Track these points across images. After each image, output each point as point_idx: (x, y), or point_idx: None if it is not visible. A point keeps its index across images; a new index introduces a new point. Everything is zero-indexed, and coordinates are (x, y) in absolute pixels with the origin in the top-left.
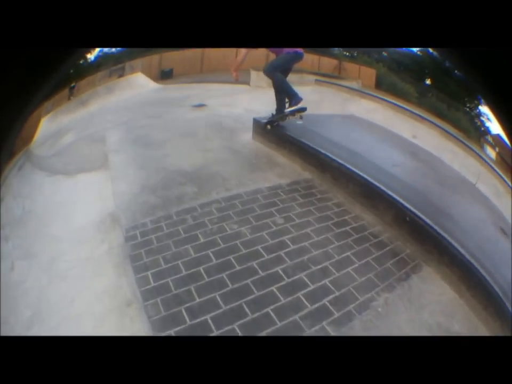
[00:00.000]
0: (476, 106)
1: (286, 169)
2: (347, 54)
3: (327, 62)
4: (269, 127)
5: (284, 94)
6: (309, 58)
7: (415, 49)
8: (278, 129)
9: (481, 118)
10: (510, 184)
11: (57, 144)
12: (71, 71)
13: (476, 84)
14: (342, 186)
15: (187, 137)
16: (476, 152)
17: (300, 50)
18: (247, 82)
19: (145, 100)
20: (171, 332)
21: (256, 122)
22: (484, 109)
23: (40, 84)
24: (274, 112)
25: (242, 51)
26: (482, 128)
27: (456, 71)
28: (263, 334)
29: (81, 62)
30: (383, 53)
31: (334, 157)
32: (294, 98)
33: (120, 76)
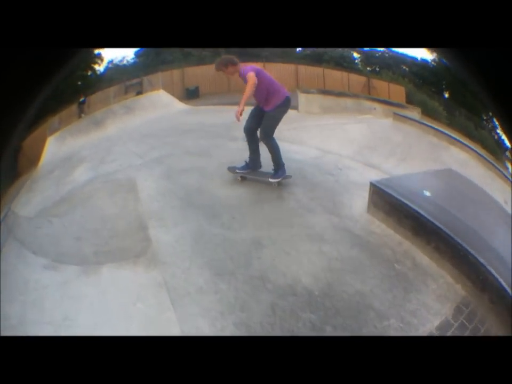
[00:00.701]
0: (491, 118)
1: (439, 283)
2: (369, 69)
3: (355, 79)
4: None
5: (274, 161)
6: (338, 76)
7: (429, 59)
8: (406, 205)
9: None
10: None
11: (66, 181)
12: (79, 83)
13: (476, 83)
14: (498, 314)
15: (268, 201)
16: None
17: (285, 93)
18: (294, 107)
19: (175, 125)
20: None
21: (376, 190)
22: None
23: (41, 84)
24: (248, 161)
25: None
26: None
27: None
28: None
29: (89, 73)
30: (403, 66)
31: (495, 274)
32: (282, 170)
33: (139, 92)
